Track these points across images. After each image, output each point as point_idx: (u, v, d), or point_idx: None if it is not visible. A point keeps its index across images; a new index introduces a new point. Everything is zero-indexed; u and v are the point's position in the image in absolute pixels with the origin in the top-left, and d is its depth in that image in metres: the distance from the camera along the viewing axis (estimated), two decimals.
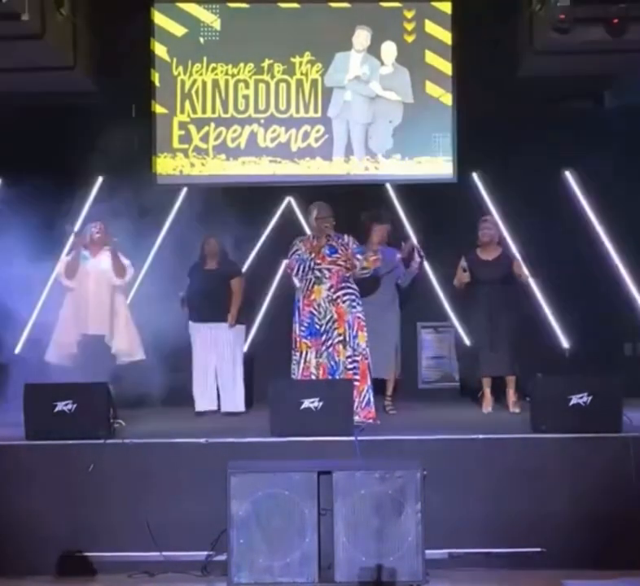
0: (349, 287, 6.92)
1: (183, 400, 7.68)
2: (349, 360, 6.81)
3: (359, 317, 6.88)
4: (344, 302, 6.87)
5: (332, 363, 6.81)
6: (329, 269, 6.89)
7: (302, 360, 6.84)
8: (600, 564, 5.59)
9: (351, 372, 6.78)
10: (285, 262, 7.19)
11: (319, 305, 6.86)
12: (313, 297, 6.89)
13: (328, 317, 6.84)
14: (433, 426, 6.41)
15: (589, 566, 5.60)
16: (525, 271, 7.51)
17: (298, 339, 6.88)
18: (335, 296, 6.87)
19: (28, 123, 8.17)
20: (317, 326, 6.84)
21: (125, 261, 7.28)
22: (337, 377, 6.73)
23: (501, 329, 7.33)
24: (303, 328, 6.87)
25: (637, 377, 7.46)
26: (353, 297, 6.91)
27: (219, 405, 7.63)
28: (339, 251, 6.92)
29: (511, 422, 6.84)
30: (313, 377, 6.75)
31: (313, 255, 6.89)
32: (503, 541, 5.72)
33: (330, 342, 6.82)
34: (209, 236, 7.73)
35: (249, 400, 7.74)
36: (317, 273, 6.89)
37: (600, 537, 5.66)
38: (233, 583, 5.25)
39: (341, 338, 6.82)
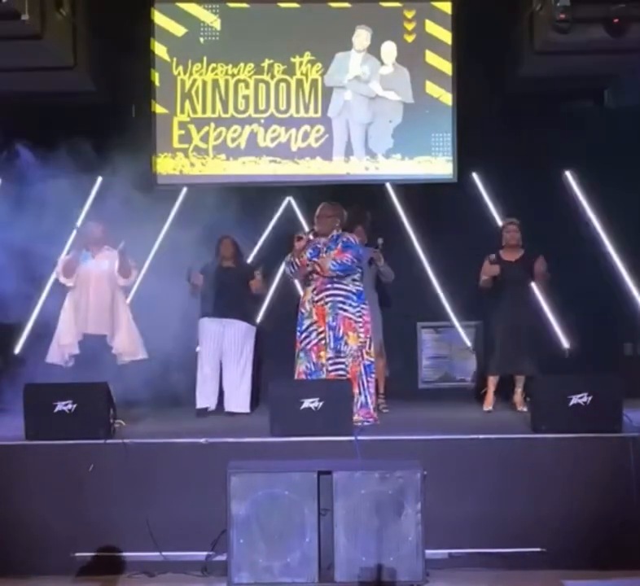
0: (339, 288, 6.84)
1: (183, 400, 7.67)
2: (330, 361, 6.78)
3: (350, 318, 6.80)
4: (326, 303, 6.82)
5: (310, 365, 6.79)
6: (315, 271, 6.89)
7: (296, 361, 6.87)
8: (600, 564, 5.60)
9: (334, 374, 6.75)
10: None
11: (305, 307, 6.89)
12: (303, 298, 6.97)
13: (311, 319, 6.84)
14: (433, 426, 6.41)
15: (589, 566, 5.60)
16: (542, 270, 7.52)
17: (296, 340, 6.92)
18: (317, 298, 6.85)
19: (28, 122, 8.16)
20: (302, 327, 6.87)
21: (132, 263, 7.32)
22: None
23: (521, 328, 7.36)
24: (298, 328, 6.91)
25: (637, 377, 7.46)
26: (342, 298, 6.83)
27: (220, 404, 7.62)
28: (321, 254, 6.88)
29: (511, 421, 6.84)
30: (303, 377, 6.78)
31: (293, 258, 6.92)
32: (503, 541, 5.72)
33: (309, 343, 6.82)
34: (225, 237, 7.78)
35: (255, 401, 7.74)
36: (309, 276, 6.93)
37: (600, 537, 5.66)
38: (233, 583, 5.25)
39: (324, 340, 6.79)
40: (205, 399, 7.57)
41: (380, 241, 7.57)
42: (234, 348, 7.60)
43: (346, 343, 6.79)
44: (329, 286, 6.86)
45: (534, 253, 7.58)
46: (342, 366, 6.77)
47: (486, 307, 7.66)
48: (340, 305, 6.83)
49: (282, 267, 7.16)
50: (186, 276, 7.52)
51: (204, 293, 7.64)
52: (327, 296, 6.84)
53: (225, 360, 7.62)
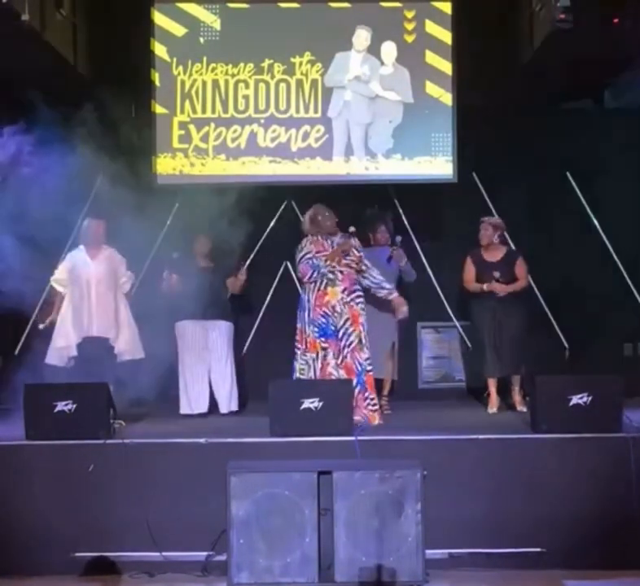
0: (359, 290, 6.94)
1: None
2: (368, 361, 6.84)
3: (365, 318, 6.90)
4: (356, 304, 6.87)
5: (357, 364, 6.80)
6: (342, 272, 6.88)
7: (318, 361, 6.79)
8: (600, 564, 5.60)
9: (371, 373, 6.83)
10: (298, 265, 7.05)
11: (334, 307, 6.83)
12: (326, 299, 6.85)
13: (344, 319, 6.82)
14: (433, 426, 6.42)
15: (589, 566, 5.61)
16: (523, 274, 7.50)
17: (310, 340, 6.83)
18: (348, 299, 6.86)
19: (27, 123, 8.16)
20: (333, 328, 6.82)
21: (128, 274, 7.42)
22: (361, 378, 6.77)
23: (507, 329, 7.35)
24: (316, 329, 6.82)
25: (637, 377, 7.46)
26: (363, 299, 6.93)
27: (210, 407, 7.57)
28: (351, 254, 6.93)
29: (511, 421, 6.84)
30: (334, 377, 6.72)
31: (328, 261, 6.85)
32: (503, 541, 5.72)
33: (350, 343, 6.81)
34: (200, 235, 7.72)
35: (244, 400, 7.73)
36: (331, 275, 6.87)
37: (600, 537, 5.66)
38: (233, 583, 5.25)
39: (358, 340, 6.82)
40: (195, 404, 7.48)
41: (399, 238, 7.62)
42: (221, 349, 7.54)
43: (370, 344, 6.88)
44: (356, 287, 6.93)
45: (515, 253, 7.58)
46: (373, 366, 6.87)
47: (471, 308, 7.64)
48: (362, 305, 6.92)
49: (318, 268, 6.89)
50: (167, 267, 7.49)
51: (181, 294, 7.48)
52: (357, 297, 6.91)
53: (213, 362, 7.54)
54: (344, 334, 6.81)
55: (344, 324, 6.82)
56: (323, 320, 6.83)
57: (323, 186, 8.40)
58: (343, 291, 6.86)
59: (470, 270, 7.52)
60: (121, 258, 7.42)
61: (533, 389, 6.23)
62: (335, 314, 6.83)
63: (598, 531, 5.67)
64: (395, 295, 7.09)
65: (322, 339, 6.81)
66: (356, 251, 6.98)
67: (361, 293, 6.94)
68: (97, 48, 8.25)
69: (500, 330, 7.36)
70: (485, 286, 7.40)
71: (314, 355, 6.82)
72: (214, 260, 7.69)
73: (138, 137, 8.01)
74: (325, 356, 6.79)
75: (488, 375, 7.48)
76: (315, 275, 6.86)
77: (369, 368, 6.83)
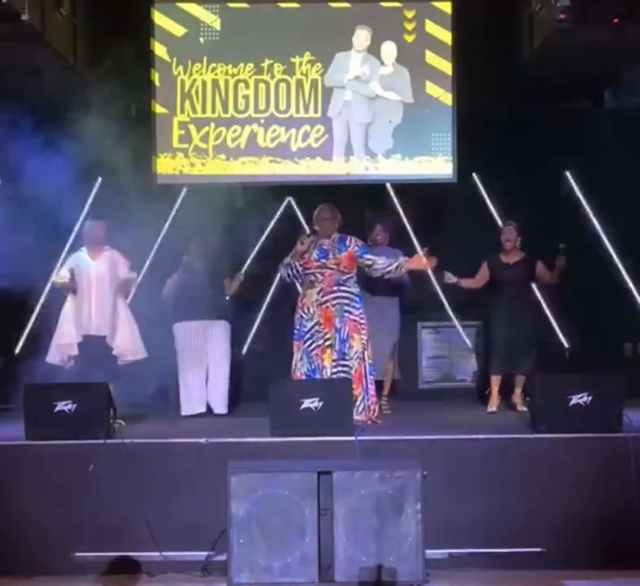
0: (345, 290, 6.87)
1: None
2: (334, 363, 6.78)
3: (355, 321, 6.83)
4: (333, 306, 6.83)
5: (313, 366, 6.79)
6: (321, 273, 6.87)
7: (294, 362, 6.86)
8: (600, 564, 5.59)
9: (336, 376, 6.75)
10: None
11: (308, 309, 6.86)
12: (305, 300, 6.91)
13: (314, 321, 6.83)
14: (433, 426, 6.41)
15: (589, 566, 5.60)
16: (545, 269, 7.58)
17: (293, 341, 6.91)
18: (323, 300, 6.84)
19: (28, 123, 8.17)
20: (304, 329, 6.85)
21: (132, 275, 7.41)
22: None
23: (520, 329, 7.38)
24: (295, 330, 6.90)
25: (638, 377, 7.46)
26: (347, 300, 6.85)
27: (208, 406, 7.58)
28: (330, 255, 6.90)
29: (511, 421, 6.84)
30: (303, 378, 6.75)
31: (293, 260, 6.90)
32: (503, 541, 5.71)
33: (313, 345, 6.81)
34: (196, 237, 7.72)
35: (242, 400, 7.74)
36: (312, 277, 6.89)
37: (600, 537, 5.66)
38: (233, 583, 5.24)
39: (329, 342, 6.80)
40: (195, 404, 7.48)
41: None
42: (220, 349, 7.55)
43: (351, 346, 6.80)
44: (336, 288, 6.86)
45: (533, 256, 7.61)
46: (346, 369, 6.77)
47: (486, 308, 7.67)
48: (346, 308, 6.84)
49: (282, 270, 7.09)
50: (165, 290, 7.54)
51: (177, 296, 7.53)
52: (334, 298, 6.84)
53: (211, 362, 7.55)
54: (310, 335, 6.82)
55: (314, 325, 6.83)
56: (299, 322, 6.88)
57: (323, 186, 8.40)
58: (318, 293, 6.86)
59: (481, 275, 7.59)
60: (123, 259, 7.41)
61: (533, 389, 6.23)
62: (308, 315, 6.85)
63: (597, 531, 5.66)
64: (406, 263, 6.98)
65: (298, 341, 6.87)
66: (337, 252, 6.87)
67: (344, 294, 6.85)
68: (97, 48, 8.24)
69: (513, 327, 7.38)
70: (448, 279, 7.56)
71: (293, 356, 6.87)
72: (211, 260, 7.70)
73: (138, 137, 8.02)
74: (296, 357, 6.85)
75: (492, 373, 7.51)
76: (290, 275, 6.97)
77: (335, 370, 6.75)
